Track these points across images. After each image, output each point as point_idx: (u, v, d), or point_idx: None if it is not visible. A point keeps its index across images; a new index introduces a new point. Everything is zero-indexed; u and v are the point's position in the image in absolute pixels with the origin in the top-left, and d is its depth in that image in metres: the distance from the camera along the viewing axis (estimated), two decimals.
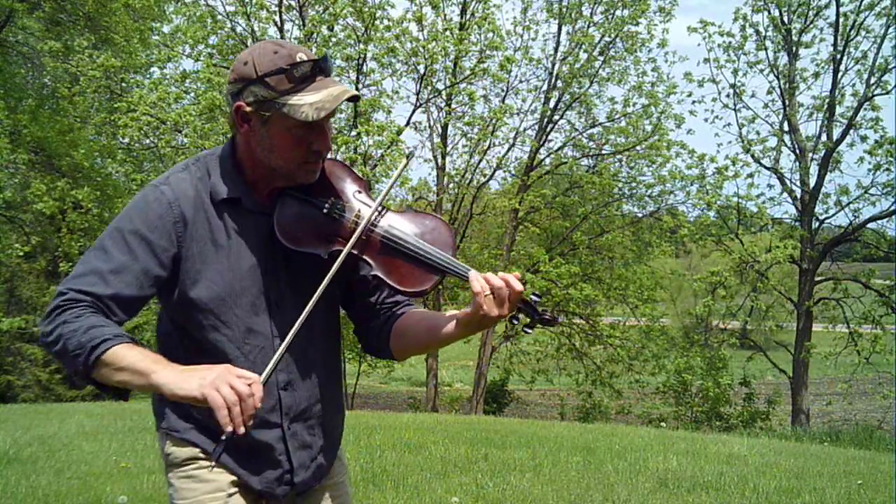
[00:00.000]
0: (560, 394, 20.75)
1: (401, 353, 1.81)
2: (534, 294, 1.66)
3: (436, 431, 7.29)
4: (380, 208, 1.70)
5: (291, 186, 1.68)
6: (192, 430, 1.71)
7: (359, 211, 1.69)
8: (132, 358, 1.46)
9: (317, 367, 1.75)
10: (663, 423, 15.47)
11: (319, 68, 1.59)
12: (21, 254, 15.49)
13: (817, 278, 18.20)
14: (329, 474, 1.84)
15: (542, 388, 21.60)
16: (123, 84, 15.83)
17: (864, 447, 8.46)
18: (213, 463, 1.53)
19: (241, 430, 1.41)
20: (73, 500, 4.55)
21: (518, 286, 1.59)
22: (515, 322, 1.68)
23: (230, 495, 1.69)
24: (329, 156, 1.72)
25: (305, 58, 1.58)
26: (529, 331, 1.70)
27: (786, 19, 17.96)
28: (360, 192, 1.73)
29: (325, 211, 1.68)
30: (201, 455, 1.70)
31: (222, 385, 1.41)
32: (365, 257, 1.68)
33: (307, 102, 1.56)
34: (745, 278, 18.41)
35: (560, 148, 19.03)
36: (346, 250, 1.63)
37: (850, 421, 18.19)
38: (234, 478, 1.70)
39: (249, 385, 1.43)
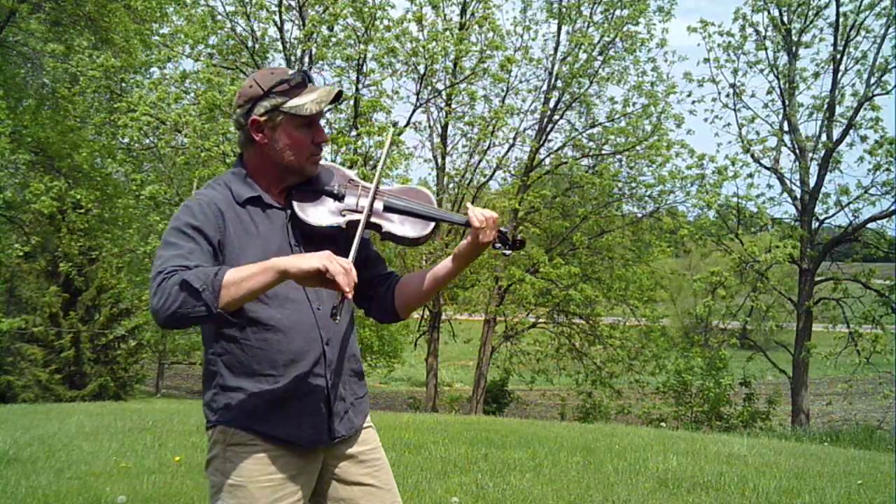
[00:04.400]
0: (560, 394, 20.74)
1: (404, 309, 2.21)
2: (503, 227, 2.15)
3: (436, 431, 7.29)
4: (378, 184, 2.08)
5: (299, 182, 2.06)
6: (251, 417, 1.97)
7: (360, 188, 2.11)
8: (246, 270, 1.78)
9: (345, 328, 2.11)
10: (663, 423, 15.46)
11: (308, 77, 2.03)
12: (21, 254, 15.49)
13: (817, 278, 18.19)
14: (364, 440, 2.17)
15: (542, 388, 21.59)
16: (123, 84, 15.82)
17: (864, 447, 8.46)
18: (336, 319, 1.83)
19: (352, 293, 1.78)
20: (72, 500, 4.55)
21: (496, 215, 2.07)
22: (497, 247, 2.10)
23: (286, 477, 1.98)
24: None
25: (293, 72, 2.01)
26: (507, 253, 2.14)
27: (786, 19, 17.95)
28: (352, 178, 2.14)
29: (334, 192, 2.09)
30: (259, 438, 1.97)
31: (333, 260, 1.77)
32: (374, 220, 2.08)
33: (307, 100, 1.99)
34: (744, 278, 18.41)
35: (560, 148, 19.05)
36: (363, 217, 2.02)
37: (850, 421, 18.19)
38: (289, 459, 1.98)
39: (349, 263, 1.80)
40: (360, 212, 2.05)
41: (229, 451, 1.98)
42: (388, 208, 2.10)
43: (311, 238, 2.04)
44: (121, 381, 17.20)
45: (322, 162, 2.13)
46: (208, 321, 1.78)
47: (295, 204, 2.05)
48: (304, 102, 1.98)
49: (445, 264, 2.13)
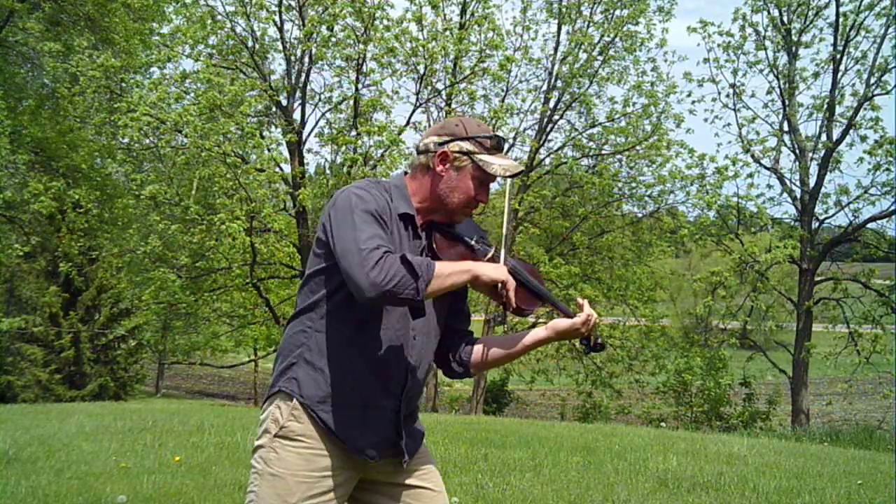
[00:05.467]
0: (560, 394, 20.75)
1: (479, 366, 2.27)
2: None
3: (436, 431, 7.28)
4: (508, 245, 2.20)
5: (442, 223, 2.19)
6: (322, 407, 2.03)
7: (494, 248, 2.23)
8: (449, 266, 2.00)
9: (427, 363, 2.21)
10: (663, 423, 15.47)
11: (503, 144, 2.19)
12: (21, 254, 15.49)
13: (817, 278, 18.19)
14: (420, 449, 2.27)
15: (542, 388, 21.60)
16: (123, 84, 15.81)
17: (864, 447, 8.45)
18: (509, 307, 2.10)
19: (512, 308, 2.08)
20: (72, 500, 4.55)
21: (595, 319, 2.20)
22: (579, 344, 2.26)
23: (325, 476, 2.03)
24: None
25: (496, 135, 2.18)
26: (586, 352, 2.31)
27: (785, 19, 17.96)
28: (483, 237, 2.26)
29: (472, 244, 2.20)
30: (314, 434, 2.03)
31: (510, 277, 2.06)
32: None
33: (498, 164, 2.14)
34: (744, 278, 18.41)
35: (560, 148, 19.03)
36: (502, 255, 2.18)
37: (850, 421, 18.19)
38: (335, 461, 2.04)
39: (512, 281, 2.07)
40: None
41: (276, 442, 2.03)
42: (513, 274, 2.16)
43: None
44: (121, 381, 17.22)
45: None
46: (408, 304, 1.94)
47: (434, 238, 2.16)
48: (495, 163, 2.12)
49: (539, 331, 2.21)
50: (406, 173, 2.22)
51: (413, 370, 2.12)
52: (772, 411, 17.98)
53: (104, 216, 16.50)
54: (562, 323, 2.18)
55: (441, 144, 2.13)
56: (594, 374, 18.50)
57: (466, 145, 2.12)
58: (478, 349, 2.26)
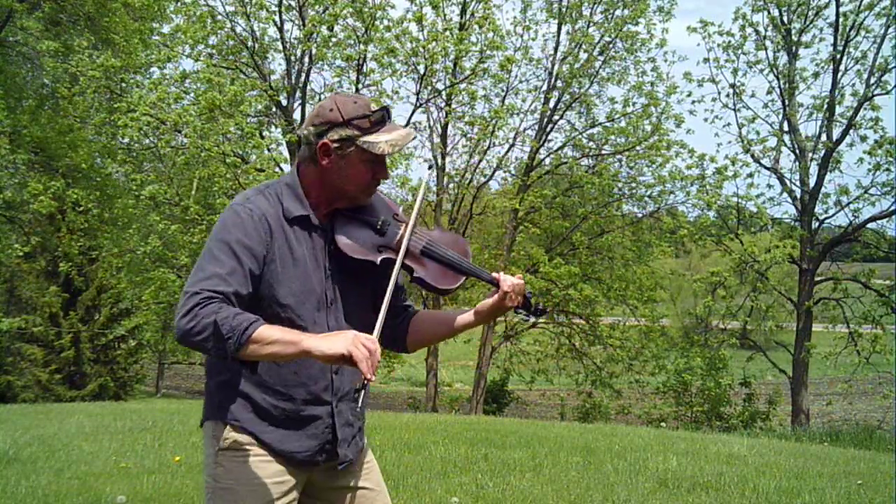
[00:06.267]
0: (560, 394, 20.74)
1: (414, 345, 2.24)
2: (528, 293, 2.20)
3: (436, 431, 7.28)
4: (415, 224, 2.12)
5: (347, 207, 2.08)
6: (254, 422, 2.00)
7: (402, 226, 2.12)
8: (277, 333, 1.79)
9: None
10: (663, 423, 15.47)
11: (388, 115, 2.05)
12: (21, 254, 15.48)
13: (817, 278, 18.19)
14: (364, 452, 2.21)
15: (542, 388, 21.58)
16: (123, 84, 15.81)
17: (864, 447, 8.46)
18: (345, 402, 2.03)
19: (374, 377, 1.79)
20: (72, 500, 4.55)
21: (524, 283, 2.15)
22: (519, 312, 2.18)
23: (276, 482, 2.00)
24: None
25: (376, 107, 2.03)
26: (527, 318, 2.21)
27: (785, 19, 17.96)
28: (397, 214, 2.15)
29: (377, 227, 2.09)
30: (256, 444, 1.99)
31: (358, 344, 1.78)
32: (407, 262, 2.09)
33: (384, 140, 2.00)
34: (744, 278, 18.42)
35: (560, 148, 19.03)
36: (399, 258, 2.05)
37: (850, 421, 18.18)
38: (281, 468, 2.01)
39: (373, 343, 1.81)
40: (397, 250, 2.06)
41: (221, 456, 2.00)
42: (426, 253, 2.11)
43: (345, 264, 2.06)
44: (121, 381, 17.21)
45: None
46: (220, 359, 1.83)
47: (336, 228, 2.06)
48: (380, 141, 1.99)
49: (466, 316, 2.16)
50: (300, 165, 2.08)
51: (339, 370, 2.05)
52: (772, 411, 17.96)
53: (104, 216, 16.49)
54: (485, 303, 2.13)
55: (319, 136, 1.99)
56: (594, 374, 18.50)
57: (345, 131, 1.98)
58: (414, 327, 2.21)
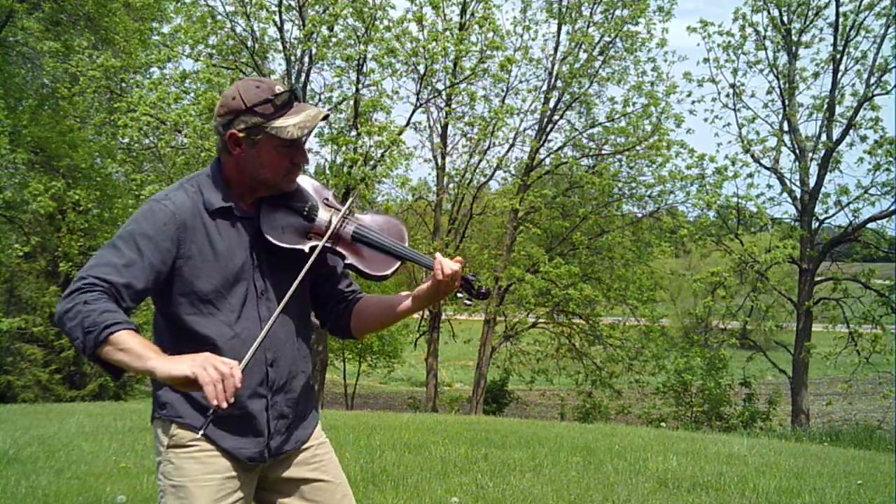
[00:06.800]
0: (560, 394, 20.75)
1: (359, 331, 2.20)
2: (471, 275, 2.07)
3: (436, 431, 7.28)
4: (348, 210, 2.06)
5: (273, 195, 2.02)
6: (196, 417, 1.95)
7: (332, 212, 2.06)
8: (133, 343, 1.70)
9: (294, 347, 2.07)
10: (663, 423, 15.47)
11: (295, 96, 1.97)
12: (21, 254, 15.48)
13: (817, 278, 18.19)
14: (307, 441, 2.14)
15: (542, 388, 21.58)
16: (123, 84, 15.82)
17: (864, 447, 8.46)
18: (200, 434, 1.79)
19: (224, 404, 1.65)
20: (72, 500, 4.55)
21: (459, 268, 2.01)
22: (460, 296, 2.06)
23: (226, 478, 1.97)
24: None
25: (282, 89, 1.94)
26: (469, 302, 2.08)
27: (785, 19, 17.95)
28: (327, 199, 2.10)
29: (304, 213, 2.03)
30: (201, 439, 1.94)
31: (208, 366, 1.66)
32: (338, 249, 2.04)
33: (291, 123, 1.93)
34: (744, 278, 18.41)
35: (560, 148, 19.05)
36: (321, 243, 1.99)
37: (850, 421, 18.19)
38: (229, 463, 1.98)
39: (230, 367, 1.68)
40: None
41: (170, 453, 1.98)
42: (357, 238, 2.04)
43: (273, 254, 2.00)
44: (121, 381, 17.21)
45: (302, 177, 2.08)
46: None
47: (262, 217, 1.99)
48: (287, 125, 1.92)
49: (405, 301, 2.10)
50: (220, 156, 2.03)
51: (273, 362, 2.00)
52: (772, 411, 17.97)
53: (104, 216, 16.48)
54: (421, 288, 2.06)
55: (226, 127, 1.94)
56: (594, 374, 18.51)
57: (251, 119, 1.91)
58: (358, 313, 2.16)
